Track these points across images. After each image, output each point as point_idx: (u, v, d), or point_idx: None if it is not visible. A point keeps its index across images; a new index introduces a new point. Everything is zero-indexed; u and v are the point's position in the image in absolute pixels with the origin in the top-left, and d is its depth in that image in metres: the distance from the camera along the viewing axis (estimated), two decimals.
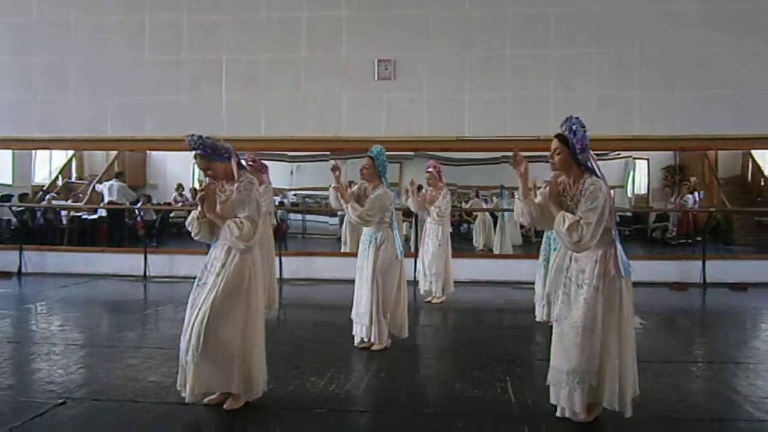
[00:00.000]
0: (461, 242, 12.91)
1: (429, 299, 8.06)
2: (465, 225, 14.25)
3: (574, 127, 3.69)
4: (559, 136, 3.76)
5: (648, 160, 15.47)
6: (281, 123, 9.91)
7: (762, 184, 13.74)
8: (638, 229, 15.21)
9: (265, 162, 7.46)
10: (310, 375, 4.79)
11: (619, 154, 14.30)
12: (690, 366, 5.33)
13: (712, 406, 4.30)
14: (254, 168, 6.60)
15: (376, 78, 9.75)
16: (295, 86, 9.90)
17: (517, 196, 3.92)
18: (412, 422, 3.97)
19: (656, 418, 3.96)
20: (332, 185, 5.65)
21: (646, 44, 9.47)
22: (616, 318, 3.66)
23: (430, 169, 8.11)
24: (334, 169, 5.59)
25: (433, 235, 8.03)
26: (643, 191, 15.87)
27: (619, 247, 3.70)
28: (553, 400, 3.83)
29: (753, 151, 13.42)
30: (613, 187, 14.13)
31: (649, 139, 9.60)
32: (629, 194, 15.81)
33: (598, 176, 3.72)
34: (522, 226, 11.92)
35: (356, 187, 5.73)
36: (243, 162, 4.30)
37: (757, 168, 13.91)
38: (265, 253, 6.43)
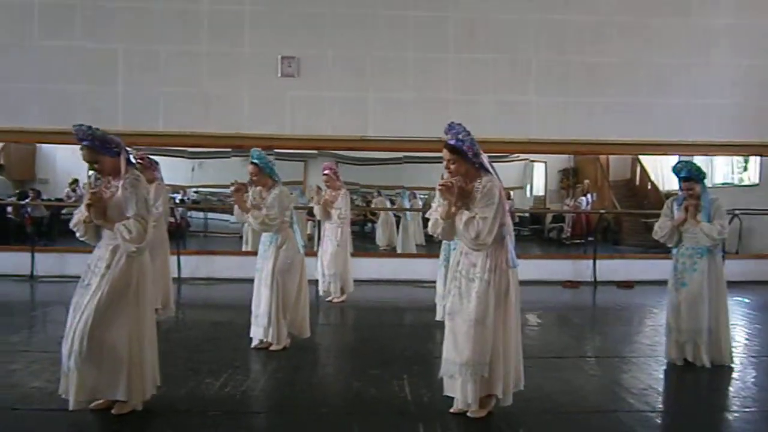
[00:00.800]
0: (365, 241, 12.97)
1: (330, 299, 8.04)
2: (369, 224, 14.34)
3: (461, 136, 3.77)
4: (449, 147, 3.81)
5: (545, 163, 16.10)
6: (181, 118, 9.55)
7: (649, 187, 14.59)
8: (535, 230, 15.81)
9: (162, 158, 7.21)
10: (205, 376, 4.67)
11: (518, 157, 14.80)
12: (579, 361, 5.57)
13: (597, 399, 4.49)
14: (143, 165, 6.33)
15: (279, 75, 9.58)
16: (196, 80, 9.57)
17: (435, 207, 3.95)
18: (308, 422, 3.94)
19: (546, 412, 4.11)
20: (233, 202, 5.60)
21: (541, 51, 9.80)
22: (504, 310, 3.78)
23: (326, 171, 8.07)
24: (237, 190, 5.50)
25: (332, 235, 8.01)
26: (541, 193, 16.52)
27: (508, 241, 3.81)
28: (447, 392, 3.91)
29: (641, 157, 14.23)
30: (512, 189, 14.62)
31: (544, 142, 9.96)
32: (528, 195, 16.41)
33: (491, 174, 3.82)
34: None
35: (251, 193, 5.64)
36: (132, 158, 4.12)
37: (644, 172, 14.78)
38: (159, 253, 6.24)
